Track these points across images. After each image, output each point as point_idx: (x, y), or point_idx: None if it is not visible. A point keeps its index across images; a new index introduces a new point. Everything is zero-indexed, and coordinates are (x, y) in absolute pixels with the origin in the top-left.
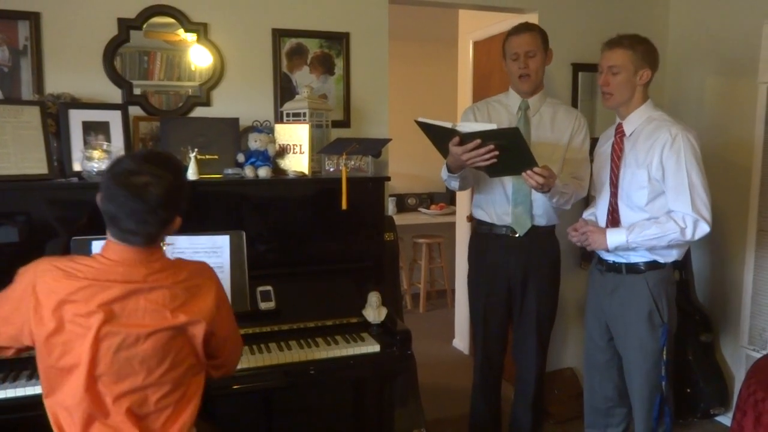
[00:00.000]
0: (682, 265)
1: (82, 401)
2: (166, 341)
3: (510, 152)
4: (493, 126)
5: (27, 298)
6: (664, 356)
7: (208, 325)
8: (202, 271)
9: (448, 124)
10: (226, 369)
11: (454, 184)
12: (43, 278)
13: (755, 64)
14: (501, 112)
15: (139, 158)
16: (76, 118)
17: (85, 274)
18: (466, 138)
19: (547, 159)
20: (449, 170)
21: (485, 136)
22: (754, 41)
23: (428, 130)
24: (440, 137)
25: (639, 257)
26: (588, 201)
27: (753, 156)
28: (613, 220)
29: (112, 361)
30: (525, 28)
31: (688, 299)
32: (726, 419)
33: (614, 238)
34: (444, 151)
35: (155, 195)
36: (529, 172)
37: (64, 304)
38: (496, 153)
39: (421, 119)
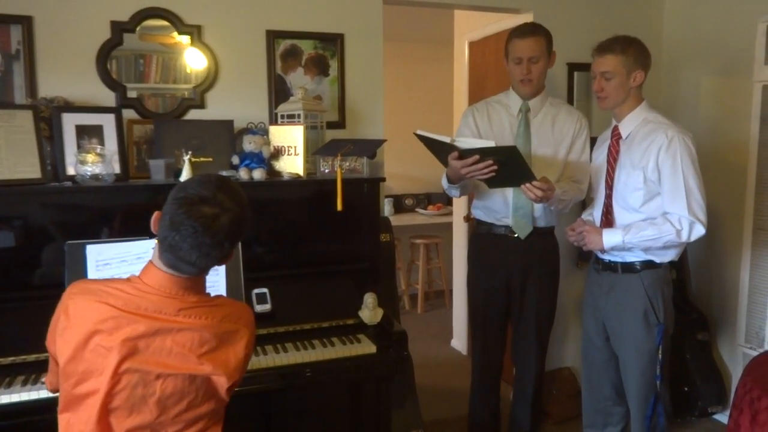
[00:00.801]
0: (679, 264)
1: (93, 431)
2: (187, 384)
3: (508, 167)
4: (491, 143)
5: (59, 317)
6: (660, 356)
7: (230, 379)
8: (240, 316)
9: (446, 139)
10: None
11: (455, 193)
12: (74, 300)
13: (750, 63)
14: (501, 113)
15: (213, 186)
16: (70, 121)
17: (116, 302)
18: (464, 153)
19: (548, 162)
20: (449, 180)
21: (483, 152)
22: (748, 40)
23: (427, 142)
24: (439, 150)
25: (635, 257)
26: (586, 203)
27: (748, 155)
28: (608, 221)
29: (129, 397)
30: (530, 31)
31: (684, 298)
32: (724, 417)
33: (610, 238)
34: (444, 162)
35: (225, 228)
36: (528, 185)
37: (89, 332)
38: (495, 168)
39: (420, 132)
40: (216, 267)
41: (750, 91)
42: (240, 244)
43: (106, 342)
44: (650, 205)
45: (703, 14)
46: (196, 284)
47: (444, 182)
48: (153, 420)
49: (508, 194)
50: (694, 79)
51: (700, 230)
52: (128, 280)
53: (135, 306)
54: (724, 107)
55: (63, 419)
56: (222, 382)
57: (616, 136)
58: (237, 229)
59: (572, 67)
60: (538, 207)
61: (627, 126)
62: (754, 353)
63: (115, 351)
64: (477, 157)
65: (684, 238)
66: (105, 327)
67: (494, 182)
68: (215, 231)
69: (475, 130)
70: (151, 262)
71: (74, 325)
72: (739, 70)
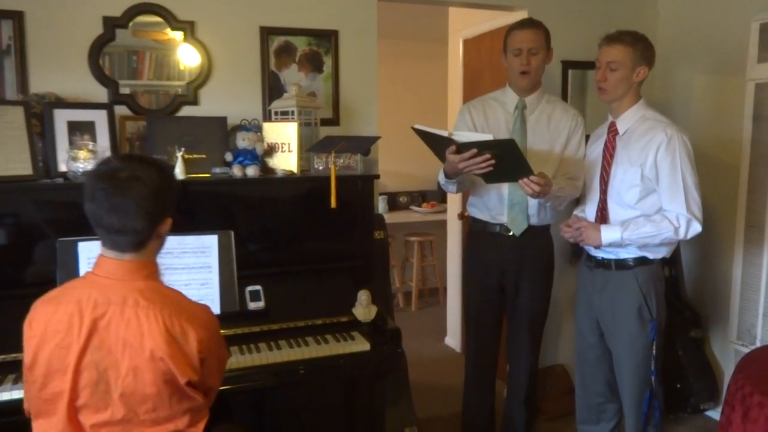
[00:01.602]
0: (672, 261)
1: (64, 430)
2: (146, 380)
3: (506, 161)
4: (489, 136)
5: (25, 331)
6: (654, 351)
7: (183, 375)
8: (194, 316)
9: (444, 133)
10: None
11: (452, 188)
12: (35, 311)
13: (743, 61)
14: (497, 110)
15: (125, 157)
16: (61, 117)
17: (69, 300)
18: (462, 147)
19: (543, 159)
20: (446, 176)
21: (481, 146)
22: (742, 39)
23: (425, 137)
24: (437, 144)
25: (628, 253)
26: (579, 199)
27: (741, 153)
28: (602, 217)
29: (93, 393)
30: (530, 23)
31: (677, 295)
32: (716, 414)
33: (608, 234)
34: (441, 157)
35: (138, 190)
36: (525, 180)
37: (47, 335)
38: (493, 162)
39: (418, 126)
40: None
41: (743, 89)
42: (233, 240)
43: (64, 341)
44: (645, 202)
45: (696, 13)
46: (143, 267)
47: (441, 178)
48: (122, 417)
49: (504, 191)
50: (687, 77)
51: (697, 228)
52: (84, 275)
53: (86, 299)
54: (718, 105)
55: (37, 426)
56: (178, 378)
57: (612, 132)
58: (155, 192)
59: (566, 65)
60: (533, 204)
61: (624, 122)
62: (746, 350)
63: (74, 347)
64: (474, 151)
65: (681, 235)
66: (61, 327)
67: (491, 177)
68: (126, 190)
69: (472, 126)
70: (100, 253)
71: (35, 335)
72: (732, 68)
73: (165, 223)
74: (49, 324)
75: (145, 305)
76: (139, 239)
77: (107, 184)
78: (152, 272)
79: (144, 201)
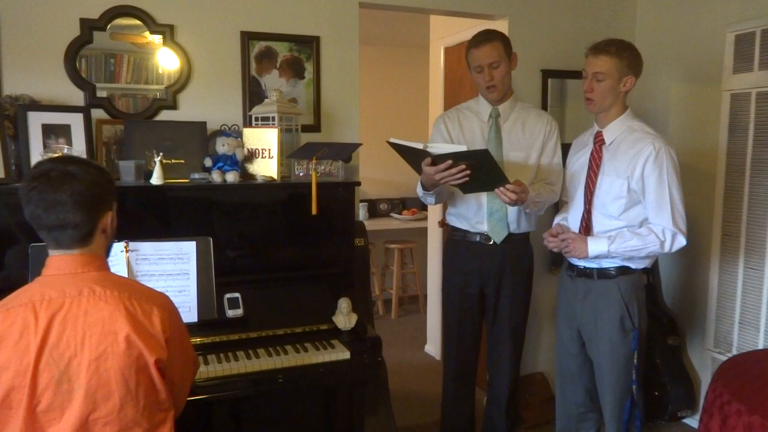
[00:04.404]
0: (650, 268)
1: None
2: (111, 371)
3: (482, 171)
4: (463, 147)
5: None
6: (635, 361)
7: (153, 352)
8: (151, 297)
9: (419, 145)
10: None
11: (431, 200)
12: None
13: (719, 72)
14: (472, 120)
15: (55, 159)
16: (36, 120)
17: (21, 301)
18: (437, 159)
19: (520, 166)
20: (424, 188)
21: (456, 157)
22: (717, 50)
23: (401, 150)
24: (413, 156)
25: (610, 263)
26: (559, 206)
27: (717, 162)
28: (587, 227)
29: (55, 394)
30: (485, 38)
31: (655, 303)
32: (693, 421)
33: (595, 247)
34: (418, 169)
35: (70, 184)
36: (501, 188)
37: (2, 338)
38: (468, 172)
39: (393, 140)
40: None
41: (719, 99)
42: (211, 247)
43: (20, 343)
44: (629, 213)
45: (673, 23)
46: (92, 260)
47: (419, 190)
48: (86, 416)
49: (483, 199)
50: (664, 86)
51: (681, 242)
52: (34, 280)
53: (40, 297)
54: (694, 115)
55: None
56: (147, 358)
57: (599, 142)
58: (87, 183)
59: (546, 74)
60: (512, 211)
61: (611, 132)
62: (723, 358)
63: (31, 347)
64: (450, 162)
65: (667, 249)
66: (14, 330)
67: (468, 187)
68: (58, 186)
69: (447, 137)
70: (48, 255)
71: None
72: (708, 78)
73: (106, 215)
74: (4, 325)
75: (101, 292)
76: (81, 233)
77: (39, 182)
78: (103, 265)
79: (78, 195)
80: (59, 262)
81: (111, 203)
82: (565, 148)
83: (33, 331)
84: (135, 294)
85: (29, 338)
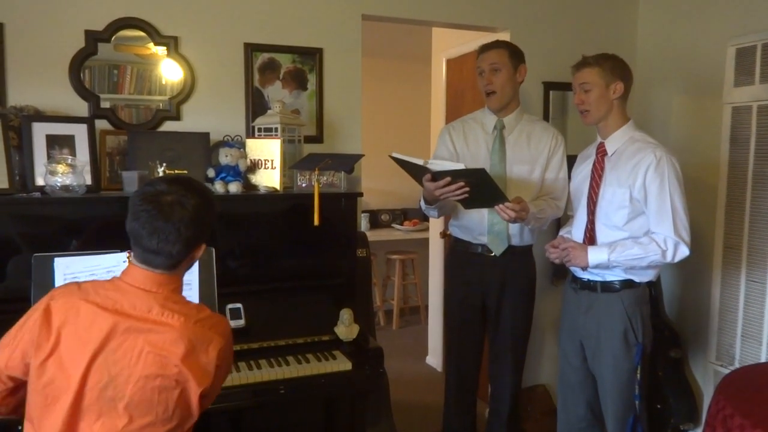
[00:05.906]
0: (654, 282)
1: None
2: (156, 393)
3: (480, 188)
4: (461, 166)
5: (36, 313)
6: (638, 375)
7: (200, 384)
8: (215, 324)
9: (419, 161)
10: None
11: (433, 213)
12: (56, 300)
13: (720, 84)
14: (477, 131)
15: (171, 180)
16: (40, 131)
17: (95, 298)
18: (437, 175)
19: (524, 180)
20: (426, 202)
21: (454, 174)
22: (719, 63)
23: (402, 164)
24: (414, 171)
25: (614, 276)
26: (562, 220)
27: (719, 175)
28: (590, 238)
29: (98, 398)
30: (493, 44)
31: (657, 315)
32: None
33: (595, 256)
34: (420, 183)
35: (180, 215)
36: (501, 206)
37: (65, 325)
38: (467, 189)
39: (395, 155)
40: (188, 269)
41: (720, 112)
42: (214, 257)
43: (83, 336)
44: (633, 224)
45: (675, 36)
46: (171, 282)
47: (422, 203)
48: (119, 427)
49: (484, 211)
50: (666, 98)
51: (684, 251)
52: (110, 279)
53: (111, 302)
54: (696, 127)
55: (28, 427)
56: (193, 388)
57: (601, 153)
58: (196, 216)
59: (548, 86)
60: (513, 225)
61: (613, 143)
62: (725, 371)
63: (90, 346)
64: (448, 179)
65: (669, 258)
66: (81, 322)
67: (469, 203)
68: (169, 214)
69: (452, 148)
70: (129, 261)
71: (54, 322)
72: (710, 91)
73: (199, 248)
74: (71, 313)
75: (169, 315)
76: (172, 262)
77: (151, 206)
78: (178, 288)
79: (184, 227)
80: (139, 275)
81: (207, 236)
82: (569, 160)
83: (97, 330)
84: (200, 321)
85: (92, 335)
